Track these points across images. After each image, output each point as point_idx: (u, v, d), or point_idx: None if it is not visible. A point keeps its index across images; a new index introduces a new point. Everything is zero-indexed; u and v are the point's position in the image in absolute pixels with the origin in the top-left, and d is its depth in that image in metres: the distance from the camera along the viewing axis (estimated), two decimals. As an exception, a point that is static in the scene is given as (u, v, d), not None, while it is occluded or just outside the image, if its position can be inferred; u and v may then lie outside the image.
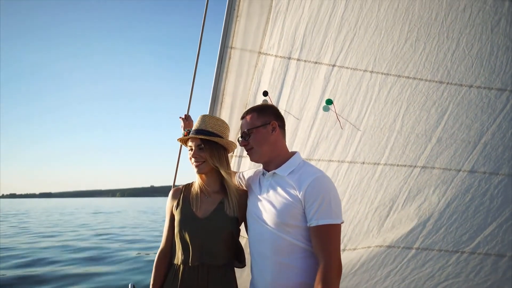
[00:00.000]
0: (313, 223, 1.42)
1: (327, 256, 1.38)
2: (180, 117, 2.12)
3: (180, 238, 1.68)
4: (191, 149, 1.73)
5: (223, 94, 2.15)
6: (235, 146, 1.81)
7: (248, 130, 1.62)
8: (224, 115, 2.17)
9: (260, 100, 2.19)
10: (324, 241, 1.40)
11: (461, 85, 2.13)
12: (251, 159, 1.66)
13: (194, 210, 1.70)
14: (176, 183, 2.10)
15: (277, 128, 1.61)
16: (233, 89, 2.16)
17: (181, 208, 1.72)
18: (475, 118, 2.13)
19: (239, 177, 1.90)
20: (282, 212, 1.49)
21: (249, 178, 1.80)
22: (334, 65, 2.17)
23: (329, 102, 2.19)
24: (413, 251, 2.20)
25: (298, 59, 2.16)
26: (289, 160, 1.59)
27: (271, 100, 2.19)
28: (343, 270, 2.23)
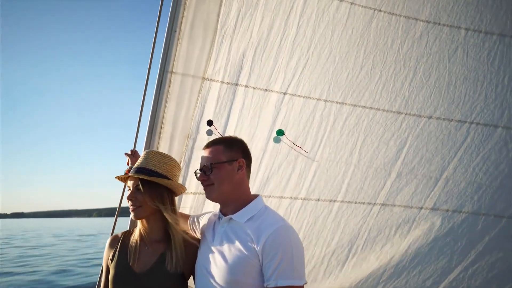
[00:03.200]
0: (271, 283, 1.21)
1: None
2: (125, 153, 1.87)
3: None
4: (129, 190, 1.49)
5: (161, 123, 1.93)
6: (184, 189, 1.56)
7: (211, 164, 1.40)
8: (162, 146, 1.93)
9: (204, 130, 1.98)
10: None
11: (420, 116, 2.00)
12: (207, 196, 1.43)
13: (131, 263, 1.43)
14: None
15: (244, 167, 1.42)
16: (174, 118, 1.94)
17: (116, 260, 1.46)
18: (436, 151, 1.98)
19: (193, 221, 1.66)
20: (234, 268, 1.27)
21: (204, 223, 1.56)
22: (285, 93, 2.00)
23: (280, 133, 2.01)
24: (374, 298, 1.97)
25: (246, 86, 1.98)
26: (249, 205, 1.39)
27: (217, 130, 1.98)
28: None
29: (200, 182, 1.46)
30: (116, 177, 1.56)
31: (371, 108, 2.02)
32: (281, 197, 2.02)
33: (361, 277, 2.00)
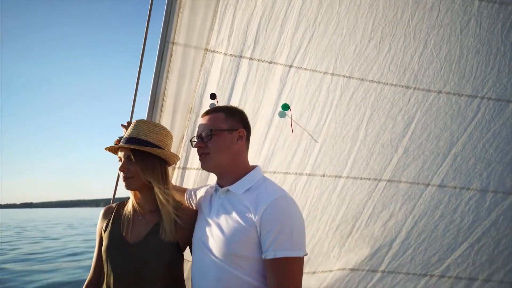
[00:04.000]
0: (269, 255, 1.16)
1: None
2: (121, 125, 1.82)
3: (106, 268, 1.40)
4: (120, 160, 1.44)
5: (163, 97, 1.87)
6: (178, 159, 1.53)
7: (211, 131, 1.33)
8: (164, 120, 1.88)
9: (207, 103, 1.92)
10: (281, 277, 1.15)
11: (429, 90, 1.94)
12: (203, 166, 1.37)
13: (124, 234, 1.41)
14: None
15: (244, 138, 1.37)
16: (176, 91, 1.88)
17: (109, 231, 1.44)
18: (444, 127, 1.93)
19: (190, 195, 1.62)
20: (232, 240, 1.22)
21: (201, 196, 1.52)
22: (291, 66, 1.93)
23: (286, 107, 1.95)
24: (379, 274, 1.96)
25: (250, 58, 1.91)
26: (247, 176, 1.34)
27: (219, 104, 1.92)
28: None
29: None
30: (106, 148, 1.51)
31: (379, 82, 1.95)
32: (286, 173, 1.98)
33: (366, 254, 1.99)
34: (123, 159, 1.43)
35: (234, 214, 1.26)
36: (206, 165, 1.37)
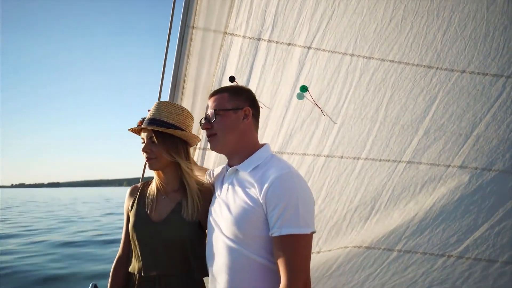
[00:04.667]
0: (275, 232, 1.15)
1: (291, 274, 1.11)
2: (148, 110, 1.89)
3: (133, 245, 1.48)
4: (143, 142, 1.50)
5: (184, 80, 1.92)
6: (199, 140, 1.57)
7: (215, 111, 1.34)
8: (185, 103, 1.94)
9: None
10: (288, 255, 1.12)
11: (452, 70, 1.89)
12: (212, 147, 1.39)
13: (148, 212, 1.48)
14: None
15: (250, 116, 1.35)
16: (196, 74, 1.93)
17: (135, 209, 1.51)
18: (467, 107, 1.89)
19: (209, 175, 1.66)
20: (239, 219, 1.23)
21: (216, 176, 1.55)
22: (309, 47, 1.93)
23: (304, 89, 1.96)
24: (395, 253, 1.99)
25: (269, 40, 1.92)
26: (254, 154, 1.33)
27: (239, 86, 1.96)
28: (318, 273, 2.04)
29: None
30: (129, 129, 1.56)
31: (400, 62, 1.92)
32: (304, 154, 2.01)
33: (383, 233, 2.01)
34: (146, 140, 1.48)
35: (242, 193, 1.26)
36: (213, 146, 1.38)
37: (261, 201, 1.19)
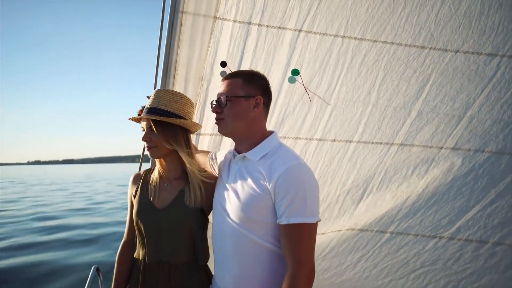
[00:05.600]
0: (283, 220, 1.19)
1: (297, 260, 1.17)
2: (147, 96, 1.91)
3: (138, 231, 1.50)
4: (143, 130, 1.48)
5: (175, 66, 1.94)
6: (199, 127, 1.54)
7: (227, 97, 1.32)
8: (177, 89, 1.96)
9: (217, 71, 1.97)
10: (294, 242, 1.18)
11: (445, 50, 1.86)
12: (219, 131, 1.38)
13: (151, 199, 1.48)
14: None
15: (261, 105, 1.34)
16: (187, 60, 1.94)
17: (138, 197, 1.52)
18: (461, 88, 1.86)
19: (211, 158, 1.66)
20: (247, 206, 1.26)
21: (221, 160, 1.55)
22: (300, 30, 1.91)
23: (296, 72, 1.96)
24: (387, 235, 2.01)
25: (259, 24, 1.91)
26: (263, 142, 1.33)
27: (231, 71, 1.96)
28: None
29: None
30: (129, 119, 1.56)
31: (392, 43, 1.89)
32: (297, 138, 2.02)
33: (376, 215, 2.03)
34: (145, 129, 1.46)
35: (250, 181, 1.28)
36: (221, 130, 1.38)
37: (270, 190, 1.22)
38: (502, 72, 1.78)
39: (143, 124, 1.48)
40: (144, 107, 1.55)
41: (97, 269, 1.84)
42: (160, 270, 1.44)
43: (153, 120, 1.43)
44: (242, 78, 1.35)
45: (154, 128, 1.43)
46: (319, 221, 1.23)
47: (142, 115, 1.47)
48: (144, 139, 1.46)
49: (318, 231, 2.08)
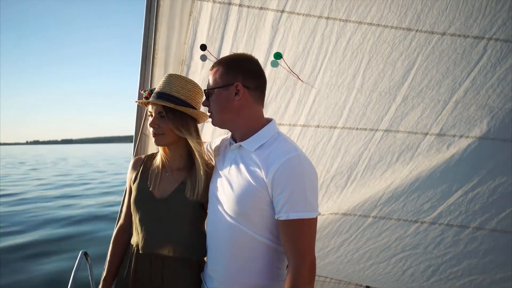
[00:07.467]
0: (282, 216, 1.14)
1: (299, 255, 1.13)
2: (142, 90, 1.82)
3: (134, 218, 1.45)
4: (151, 115, 1.41)
5: (154, 50, 1.86)
6: (207, 117, 1.45)
7: (205, 90, 1.29)
8: (157, 73, 1.90)
9: (197, 55, 1.90)
10: (295, 238, 1.13)
11: (432, 32, 1.80)
12: (212, 124, 1.34)
13: (151, 188, 1.42)
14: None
15: (243, 92, 1.24)
16: (166, 43, 1.87)
17: (138, 183, 1.46)
18: (447, 72, 1.82)
19: (207, 149, 1.59)
20: (242, 199, 1.20)
21: (217, 146, 1.49)
22: (283, 11, 1.84)
23: (278, 56, 1.90)
24: (370, 219, 2.02)
25: (240, 5, 1.83)
26: (259, 132, 1.26)
27: (211, 54, 1.90)
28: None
29: None
30: (136, 102, 1.48)
31: (378, 25, 1.83)
32: (280, 124, 1.99)
33: (359, 200, 2.03)
34: (154, 115, 1.40)
35: (245, 173, 1.22)
36: (213, 123, 1.34)
37: (267, 184, 1.16)
38: (489, 55, 1.73)
39: (151, 108, 1.41)
40: (151, 90, 1.48)
41: (85, 254, 1.83)
42: (153, 262, 1.40)
43: (164, 106, 1.36)
44: (223, 66, 1.28)
45: (164, 115, 1.37)
46: (319, 214, 1.19)
47: (153, 100, 1.39)
48: (152, 124, 1.39)
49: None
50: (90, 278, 1.87)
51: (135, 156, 1.73)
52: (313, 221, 1.16)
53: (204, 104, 1.33)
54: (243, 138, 1.28)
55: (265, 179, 1.16)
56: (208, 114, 1.34)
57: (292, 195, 1.12)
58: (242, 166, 1.25)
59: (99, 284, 1.57)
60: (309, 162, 1.20)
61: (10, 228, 7.78)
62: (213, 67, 1.31)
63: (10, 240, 6.81)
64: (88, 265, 1.84)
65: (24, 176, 19.97)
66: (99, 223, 8.19)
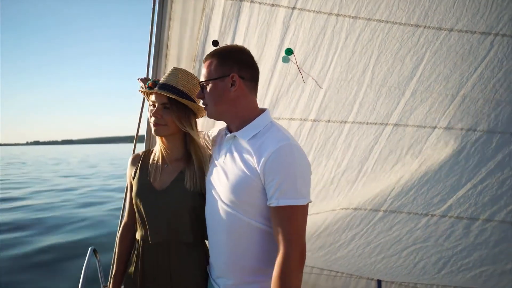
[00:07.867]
0: (273, 203, 1.17)
1: (288, 241, 1.14)
2: (138, 79, 1.84)
3: (137, 212, 1.48)
4: (154, 106, 1.44)
5: (167, 46, 1.88)
6: (205, 113, 1.47)
7: (201, 82, 1.31)
8: (170, 69, 1.91)
9: (210, 51, 1.91)
10: (285, 224, 1.15)
11: (440, 28, 1.85)
12: (207, 115, 1.37)
13: (151, 180, 1.46)
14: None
15: (239, 83, 1.26)
16: (179, 39, 1.89)
17: (138, 177, 1.50)
18: (454, 67, 1.87)
19: (205, 139, 1.62)
20: (236, 188, 1.24)
21: (213, 136, 1.53)
22: (294, 8, 1.87)
23: (289, 52, 1.92)
24: (381, 213, 2.04)
25: (252, 1, 1.86)
26: (253, 121, 1.29)
27: (223, 51, 1.92)
28: (306, 234, 2.10)
29: None
30: (140, 91, 1.50)
31: (387, 21, 1.87)
32: (291, 119, 2.01)
33: (370, 195, 2.05)
34: (157, 105, 1.42)
35: (239, 162, 1.25)
36: (208, 115, 1.36)
37: (259, 172, 1.19)
38: (495, 50, 1.78)
39: (155, 98, 1.44)
40: (155, 81, 1.50)
41: (94, 250, 1.82)
42: (159, 251, 1.44)
43: (169, 98, 1.40)
44: (217, 58, 1.30)
45: (170, 107, 1.40)
46: (310, 202, 1.21)
47: (159, 90, 1.41)
48: (155, 114, 1.42)
49: (312, 211, 2.10)
50: (99, 274, 1.86)
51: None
52: (304, 208, 1.18)
53: (199, 96, 1.35)
54: (238, 128, 1.31)
55: (257, 168, 1.19)
56: (203, 106, 1.37)
57: (282, 183, 1.15)
58: (236, 156, 1.28)
59: (107, 279, 1.57)
60: (301, 150, 1.22)
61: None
62: (206, 59, 1.33)
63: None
64: (97, 262, 1.83)
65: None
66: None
